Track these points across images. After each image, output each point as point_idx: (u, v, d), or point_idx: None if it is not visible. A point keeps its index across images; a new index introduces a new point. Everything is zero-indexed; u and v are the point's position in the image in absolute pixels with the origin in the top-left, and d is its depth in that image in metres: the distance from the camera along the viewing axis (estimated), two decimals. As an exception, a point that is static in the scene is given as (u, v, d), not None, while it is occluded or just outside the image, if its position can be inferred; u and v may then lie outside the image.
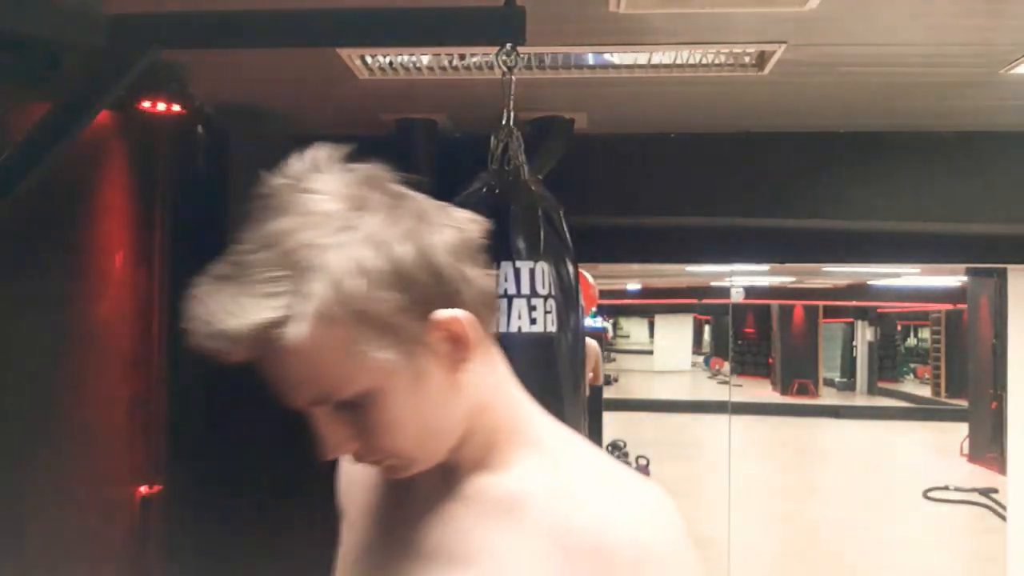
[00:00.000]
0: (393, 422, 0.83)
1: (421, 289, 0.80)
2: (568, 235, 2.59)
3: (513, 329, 2.41)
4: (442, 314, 0.82)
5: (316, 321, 0.76)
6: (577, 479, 0.85)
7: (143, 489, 3.88)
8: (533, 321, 2.42)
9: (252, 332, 0.76)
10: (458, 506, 0.89)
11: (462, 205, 2.39)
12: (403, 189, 0.87)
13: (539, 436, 0.90)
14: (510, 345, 2.52)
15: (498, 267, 2.43)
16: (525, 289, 2.42)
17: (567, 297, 2.51)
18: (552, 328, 2.45)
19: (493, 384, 0.90)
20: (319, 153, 0.85)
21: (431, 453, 0.88)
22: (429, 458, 0.88)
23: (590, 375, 6.60)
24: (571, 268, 2.57)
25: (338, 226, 0.78)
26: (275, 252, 0.77)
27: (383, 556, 0.93)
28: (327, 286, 0.76)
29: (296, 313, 0.76)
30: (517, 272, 2.42)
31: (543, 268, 2.45)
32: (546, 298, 2.44)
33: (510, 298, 2.42)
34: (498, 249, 2.45)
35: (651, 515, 0.83)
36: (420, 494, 0.92)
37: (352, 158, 0.88)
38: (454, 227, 0.86)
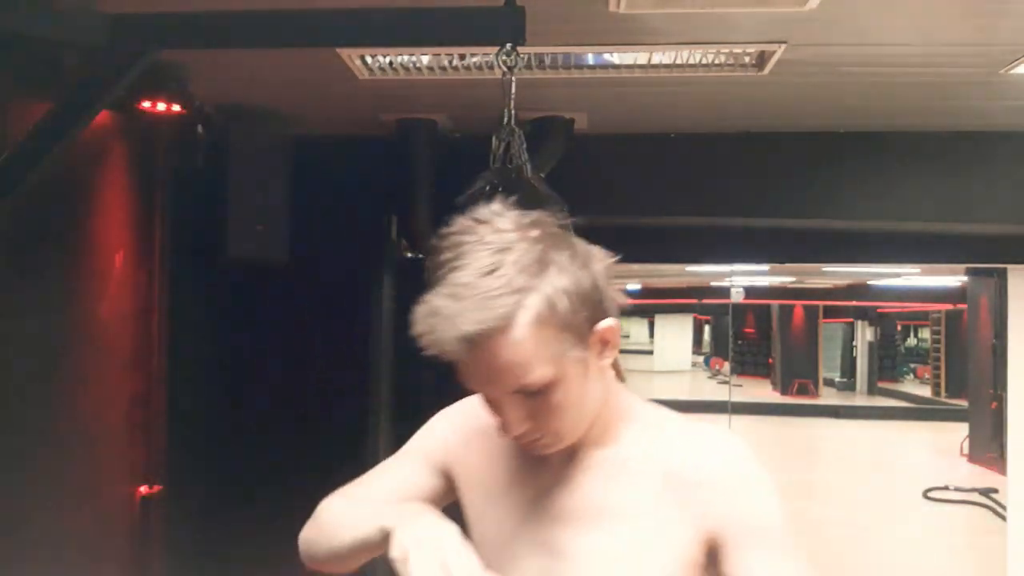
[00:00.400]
0: (562, 405, 1.08)
1: (593, 305, 1.07)
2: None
3: None
4: (604, 323, 1.09)
5: (533, 326, 1.02)
6: (673, 437, 1.15)
7: (143, 489, 3.88)
8: None
9: (487, 333, 1.00)
10: (586, 475, 1.15)
11: (466, 204, 2.38)
12: (559, 229, 1.11)
13: (638, 413, 1.18)
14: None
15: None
16: None
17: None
18: None
19: (609, 385, 1.16)
20: (494, 206, 1.09)
21: (577, 432, 1.12)
22: (574, 436, 1.13)
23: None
24: None
25: (539, 259, 1.04)
26: (499, 278, 1.01)
27: (535, 523, 1.16)
28: (542, 302, 1.03)
29: (520, 320, 1.02)
30: None
31: None
32: None
33: None
34: None
35: (733, 451, 1.13)
36: (551, 470, 1.17)
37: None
38: (600, 256, 1.11)
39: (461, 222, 1.07)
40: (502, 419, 1.09)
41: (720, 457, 1.13)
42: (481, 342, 1.01)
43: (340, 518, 1.25)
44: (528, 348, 1.03)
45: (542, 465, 1.17)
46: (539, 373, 1.05)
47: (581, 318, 1.06)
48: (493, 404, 1.10)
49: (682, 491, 1.10)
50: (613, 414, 1.16)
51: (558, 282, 1.04)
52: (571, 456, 1.16)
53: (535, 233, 1.05)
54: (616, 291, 1.12)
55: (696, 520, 1.09)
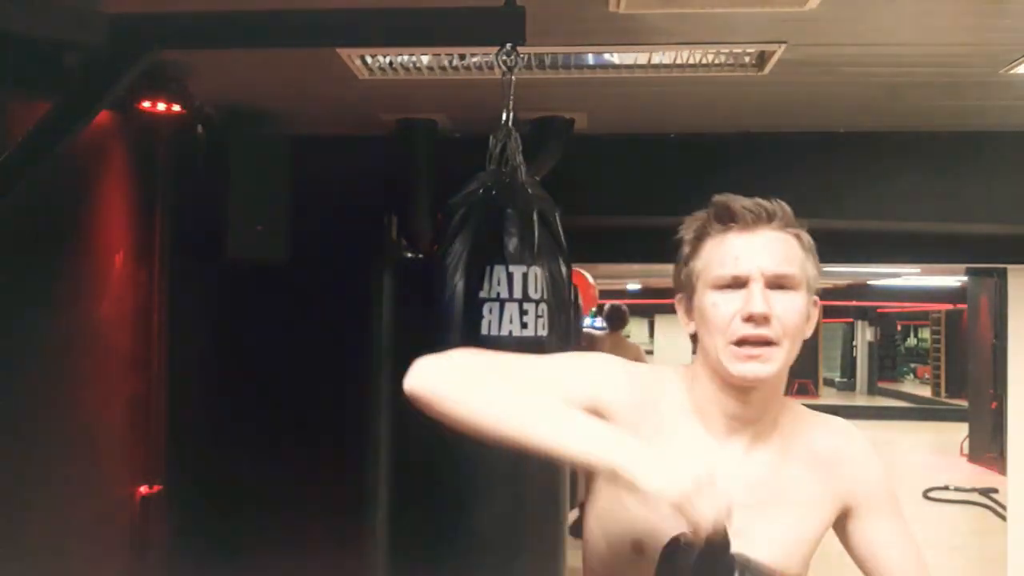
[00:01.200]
0: (796, 315, 1.24)
1: (817, 279, 1.29)
2: (563, 236, 2.59)
3: (504, 333, 2.42)
4: (815, 297, 1.30)
5: (808, 245, 1.29)
6: (809, 422, 1.36)
7: (143, 489, 3.88)
8: (524, 325, 2.43)
9: (791, 217, 1.29)
10: (756, 462, 1.29)
11: (458, 205, 2.41)
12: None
13: (786, 400, 1.35)
14: (501, 348, 2.52)
15: (491, 270, 2.43)
16: (517, 293, 2.43)
17: (559, 300, 2.52)
18: (543, 332, 2.45)
19: None
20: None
21: (789, 361, 1.26)
22: (787, 363, 1.26)
23: None
24: (564, 269, 2.57)
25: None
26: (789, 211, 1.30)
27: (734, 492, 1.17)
28: (812, 243, 1.30)
29: (805, 235, 1.30)
30: (510, 276, 2.43)
31: (536, 272, 2.45)
32: (538, 302, 2.45)
33: (502, 302, 2.42)
34: (492, 252, 2.45)
35: (855, 433, 1.38)
36: (719, 450, 1.28)
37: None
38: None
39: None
40: (752, 296, 1.22)
41: (850, 441, 1.36)
42: (778, 219, 1.26)
43: (514, 408, 1.18)
44: (800, 252, 1.27)
45: (711, 449, 1.27)
46: (798, 271, 1.25)
47: (816, 277, 1.28)
48: (739, 290, 1.24)
49: (824, 470, 1.31)
50: (777, 407, 1.32)
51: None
52: (744, 442, 1.29)
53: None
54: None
55: (834, 493, 1.31)
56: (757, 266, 1.23)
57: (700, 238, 1.27)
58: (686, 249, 1.29)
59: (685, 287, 1.29)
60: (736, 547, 1.13)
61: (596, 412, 1.23)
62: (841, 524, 1.34)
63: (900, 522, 1.37)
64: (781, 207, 1.28)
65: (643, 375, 1.32)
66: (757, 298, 1.22)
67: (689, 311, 1.30)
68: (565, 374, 1.29)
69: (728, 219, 1.25)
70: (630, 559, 1.25)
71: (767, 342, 1.23)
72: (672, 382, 1.32)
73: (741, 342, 1.22)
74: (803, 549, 1.30)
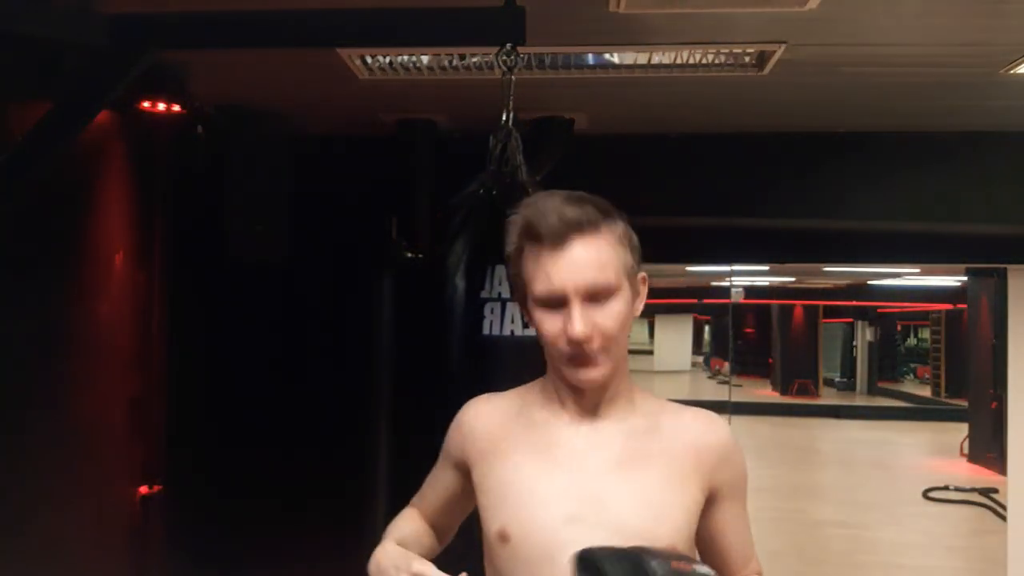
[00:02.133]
0: (618, 318, 1.28)
1: (638, 255, 1.33)
2: None
3: (506, 332, 2.41)
4: (642, 273, 1.34)
5: (618, 238, 1.30)
6: (677, 410, 1.39)
7: (143, 489, 3.89)
8: (526, 325, 2.42)
9: (591, 220, 1.27)
10: (615, 436, 1.33)
11: (458, 206, 2.41)
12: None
13: (641, 390, 1.39)
14: (503, 348, 2.51)
15: (493, 270, 2.43)
16: None
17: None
18: None
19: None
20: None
21: (621, 355, 1.32)
22: (619, 359, 1.32)
23: None
24: None
25: (615, 209, 1.33)
26: (600, 202, 1.31)
27: (568, 476, 1.31)
28: (625, 225, 1.32)
29: (611, 227, 1.29)
30: None
31: None
32: None
33: (503, 301, 2.41)
34: (493, 252, 2.45)
35: (724, 426, 1.40)
36: (579, 436, 1.34)
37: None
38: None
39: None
40: (571, 319, 1.26)
41: (719, 427, 1.39)
42: (583, 228, 1.26)
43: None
44: (611, 251, 1.28)
45: (566, 432, 1.34)
46: (614, 276, 1.27)
47: (636, 258, 1.32)
48: (562, 309, 1.27)
49: (695, 450, 1.34)
50: (629, 381, 1.37)
51: (630, 228, 1.32)
52: (593, 418, 1.34)
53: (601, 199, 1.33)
54: None
55: (704, 475, 1.34)
56: (571, 284, 1.26)
57: (519, 249, 1.31)
58: (510, 258, 1.34)
59: (518, 293, 1.36)
60: (584, 507, 1.27)
61: (465, 466, 1.42)
62: (705, 509, 1.38)
63: (744, 509, 1.42)
64: (586, 211, 1.27)
65: (502, 401, 1.43)
66: (575, 322, 1.25)
67: (526, 315, 1.36)
68: (432, 474, 1.51)
69: (536, 237, 1.27)
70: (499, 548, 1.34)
71: (590, 358, 1.29)
72: (536, 387, 1.42)
73: (570, 358, 1.29)
74: (674, 515, 1.30)
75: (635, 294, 1.32)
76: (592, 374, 1.29)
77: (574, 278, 1.25)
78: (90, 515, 3.50)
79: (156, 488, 3.93)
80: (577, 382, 1.31)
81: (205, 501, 4.05)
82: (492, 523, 1.34)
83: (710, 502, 1.36)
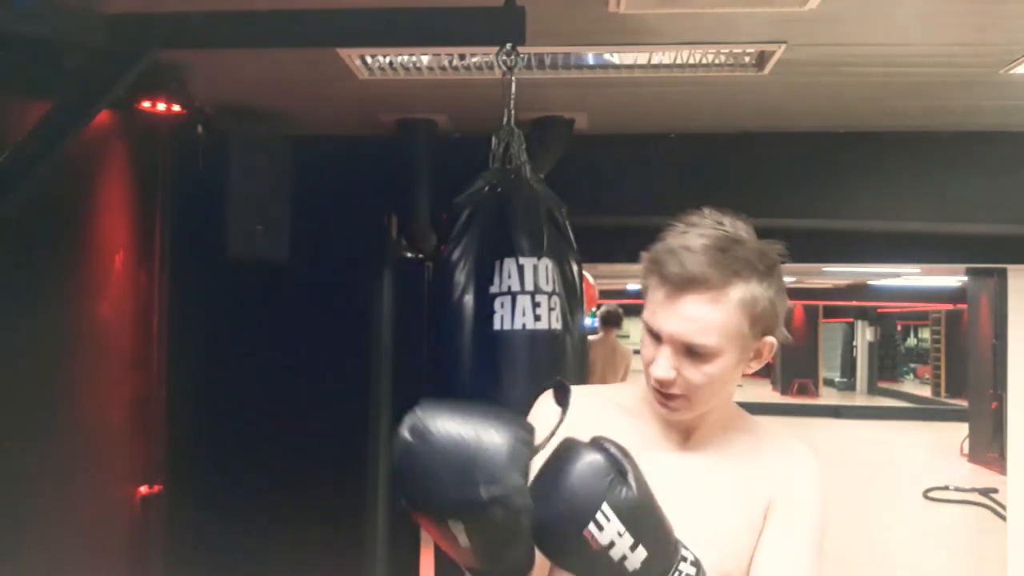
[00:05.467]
0: (710, 376, 1.25)
1: (771, 321, 1.27)
2: (571, 234, 2.58)
3: (517, 326, 2.38)
4: (770, 338, 1.28)
5: (738, 302, 1.23)
6: (764, 437, 1.37)
7: (143, 489, 3.89)
8: (537, 318, 2.39)
9: (708, 279, 1.21)
10: (702, 461, 1.33)
11: (464, 203, 2.40)
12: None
13: (740, 413, 1.39)
14: (514, 342, 2.49)
15: (501, 264, 2.41)
16: (529, 285, 2.40)
17: (571, 296, 2.49)
18: (557, 325, 2.42)
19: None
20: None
21: (702, 407, 1.29)
22: (704, 406, 1.29)
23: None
24: (575, 267, 2.55)
25: (767, 266, 1.26)
26: (734, 252, 1.24)
27: (668, 490, 1.24)
28: (752, 290, 1.24)
29: (732, 290, 1.22)
30: (520, 268, 2.40)
31: (547, 265, 2.42)
32: (550, 295, 2.41)
33: (514, 295, 2.39)
34: (501, 246, 2.44)
35: (808, 451, 1.37)
36: (675, 449, 1.33)
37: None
38: (785, 290, 1.30)
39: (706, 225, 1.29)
40: (658, 359, 1.25)
41: (797, 460, 1.35)
42: (699, 286, 1.21)
43: None
44: (724, 316, 1.22)
45: (648, 456, 1.27)
46: (715, 341, 1.23)
47: (761, 324, 1.25)
48: (658, 345, 1.26)
49: (760, 475, 1.31)
50: (727, 411, 1.36)
51: (768, 288, 1.25)
52: (683, 458, 1.33)
53: (760, 244, 1.28)
54: (782, 328, 1.32)
55: (762, 496, 1.31)
56: (670, 332, 1.24)
57: (647, 275, 1.30)
58: (641, 274, 1.33)
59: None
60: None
61: None
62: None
63: (801, 545, 1.30)
64: (715, 265, 1.22)
65: (597, 397, 1.39)
66: (660, 364, 1.25)
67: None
68: None
69: (658, 275, 1.26)
70: None
71: (671, 396, 1.27)
72: (623, 390, 1.42)
73: (654, 387, 1.28)
74: (743, 556, 1.28)
75: (746, 356, 1.28)
76: (672, 414, 1.30)
77: (673, 328, 1.23)
78: (90, 515, 3.50)
79: (156, 488, 3.93)
80: (657, 408, 1.31)
81: (205, 501, 4.05)
82: None
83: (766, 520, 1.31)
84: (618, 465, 1.13)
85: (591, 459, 1.12)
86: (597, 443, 1.15)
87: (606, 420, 1.33)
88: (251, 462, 4.05)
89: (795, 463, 1.34)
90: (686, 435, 1.34)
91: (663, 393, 1.27)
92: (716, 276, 1.21)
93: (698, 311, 1.22)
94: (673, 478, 1.29)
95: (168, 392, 4.01)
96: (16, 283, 2.97)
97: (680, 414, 1.29)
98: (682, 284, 1.22)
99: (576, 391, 1.31)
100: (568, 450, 1.14)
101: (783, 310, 1.29)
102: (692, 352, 1.23)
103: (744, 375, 1.29)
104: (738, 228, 1.29)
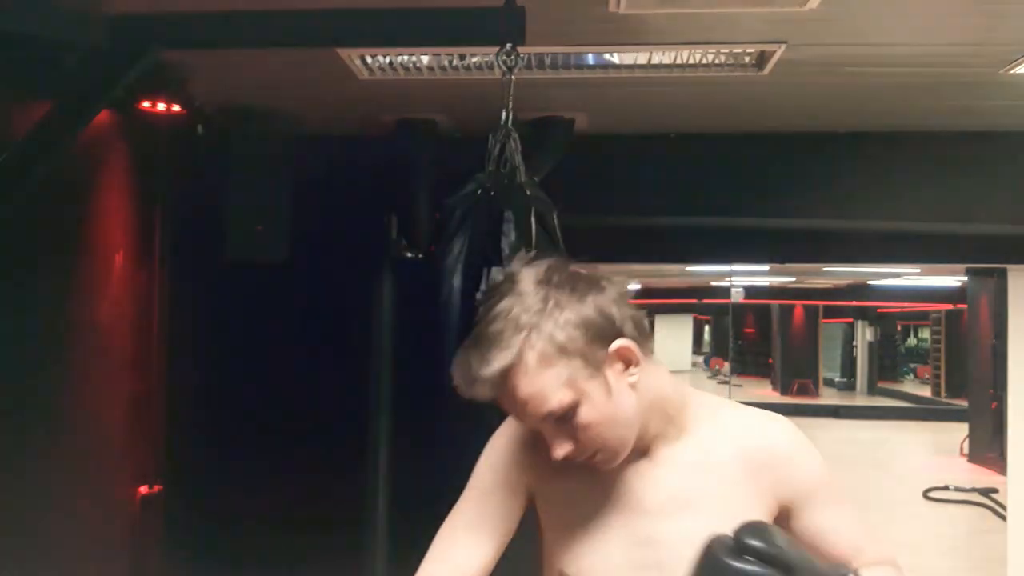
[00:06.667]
0: (593, 423, 1.20)
1: (599, 329, 1.20)
2: (560, 237, 2.58)
3: None
4: (617, 343, 1.21)
5: (540, 359, 1.17)
6: (730, 422, 1.32)
7: (143, 489, 3.89)
8: None
9: (498, 373, 1.16)
10: (665, 469, 1.29)
11: (454, 206, 2.40)
12: (578, 269, 1.25)
13: (696, 404, 1.33)
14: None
15: (489, 273, 2.42)
16: None
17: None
18: None
19: (660, 383, 1.28)
20: (518, 261, 1.26)
21: (625, 441, 1.24)
22: (624, 445, 1.24)
23: None
24: None
25: (541, 299, 1.19)
26: (509, 322, 1.18)
27: (623, 516, 1.28)
28: (544, 337, 1.17)
29: (527, 356, 1.17)
30: None
31: None
32: None
33: None
34: (489, 253, 2.44)
35: (783, 428, 1.33)
36: (632, 468, 1.29)
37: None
38: (613, 284, 1.24)
39: (495, 280, 1.26)
40: (551, 445, 1.22)
41: (777, 436, 1.32)
42: (499, 381, 1.17)
43: None
44: (541, 378, 1.18)
45: (621, 464, 1.28)
46: (558, 399, 1.18)
47: (585, 342, 1.19)
48: (542, 433, 1.24)
49: (752, 471, 1.28)
50: (676, 410, 1.30)
51: (560, 317, 1.18)
52: (647, 454, 1.30)
53: (542, 277, 1.21)
54: (634, 312, 1.25)
55: (767, 494, 1.27)
56: (530, 421, 1.22)
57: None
58: None
59: None
60: (640, 551, 1.26)
61: (526, 486, 1.34)
62: (783, 522, 1.29)
63: (840, 507, 1.33)
64: (493, 361, 1.16)
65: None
66: (554, 446, 1.22)
67: None
68: (476, 502, 1.36)
69: (479, 396, 1.20)
70: None
71: (590, 457, 1.24)
72: None
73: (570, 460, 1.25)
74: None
75: (612, 372, 1.21)
76: (605, 467, 1.26)
77: (529, 416, 1.21)
78: (90, 515, 3.50)
79: (156, 488, 3.93)
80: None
81: (205, 501, 4.05)
82: (553, 559, 1.34)
83: (787, 515, 1.29)
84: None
85: None
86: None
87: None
88: (251, 462, 4.04)
89: (780, 453, 1.30)
90: (649, 450, 1.30)
91: (585, 458, 1.24)
92: (502, 360, 1.16)
93: (519, 394, 1.18)
94: (650, 484, 1.28)
95: (168, 392, 4.01)
96: (16, 283, 2.97)
97: (615, 461, 1.25)
98: (493, 388, 1.18)
99: (515, 428, 1.33)
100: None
101: (613, 309, 1.21)
102: (562, 418, 1.20)
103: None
104: (521, 276, 1.22)
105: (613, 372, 1.21)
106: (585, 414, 1.19)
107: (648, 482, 1.28)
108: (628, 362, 1.23)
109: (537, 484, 1.34)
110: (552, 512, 1.35)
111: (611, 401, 1.21)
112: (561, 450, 1.21)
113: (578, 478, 1.29)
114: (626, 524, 1.28)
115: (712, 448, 1.29)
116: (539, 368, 1.17)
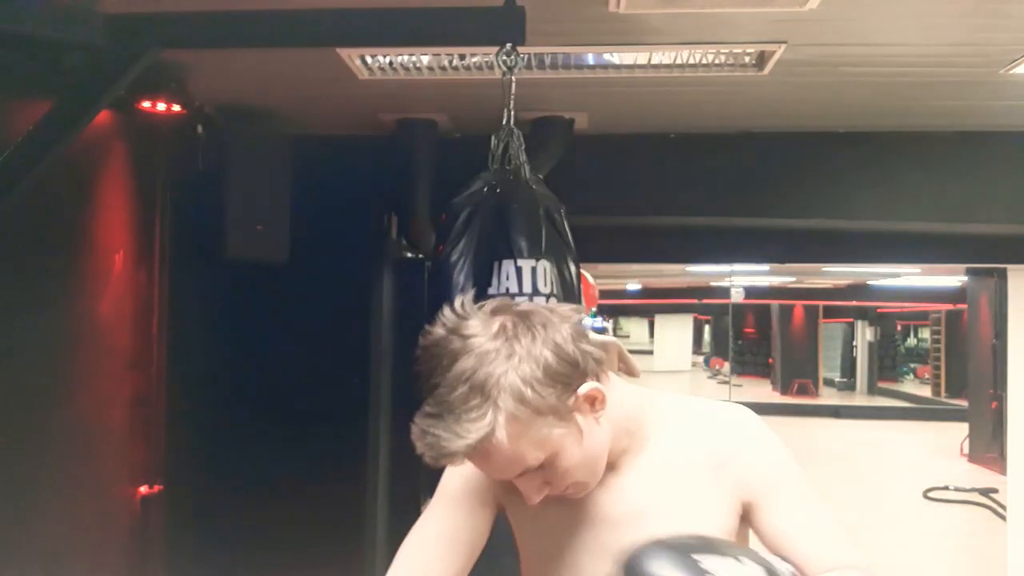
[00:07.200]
0: (570, 468, 1.20)
1: (564, 377, 1.16)
2: (569, 235, 2.58)
3: None
4: (584, 388, 1.18)
5: (511, 426, 1.12)
6: (691, 423, 1.30)
7: (143, 489, 3.89)
8: None
9: (472, 447, 1.11)
10: (628, 480, 1.28)
11: (463, 204, 2.41)
12: (524, 306, 1.20)
13: (655, 410, 1.31)
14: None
15: (500, 265, 2.42)
16: (527, 287, 2.41)
17: (569, 297, 2.50)
18: None
19: (619, 399, 1.25)
20: (460, 303, 1.19)
21: (597, 473, 1.24)
22: (597, 476, 1.24)
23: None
24: (573, 267, 2.56)
25: (504, 355, 1.13)
26: (468, 388, 1.11)
27: (587, 529, 1.29)
28: (512, 401, 1.12)
29: (498, 429, 1.12)
30: (519, 270, 2.41)
31: (545, 267, 2.43)
32: (548, 296, 2.42)
33: (512, 296, 2.40)
34: (499, 248, 2.44)
35: (745, 423, 1.32)
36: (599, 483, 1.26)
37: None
38: (566, 320, 1.18)
39: (434, 332, 1.16)
40: (525, 494, 1.22)
41: (735, 430, 1.30)
42: (472, 454, 1.13)
43: None
44: (514, 445, 1.14)
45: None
46: (533, 457, 1.16)
47: (556, 395, 1.15)
48: (518, 486, 1.22)
49: (712, 470, 1.26)
50: (637, 424, 1.29)
51: (527, 375, 1.13)
52: (614, 467, 1.28)
53: (496, 327, 1.15)
54: (590, 345, 1.20)
55: (727, 494, 1.25)
56: (504, 478, 1.22)
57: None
58: None
59: None
60: (604, 565, 1.18)
61: (494, 497, 1.34)
62: (748, 519, 1.27)
63: (808, 503, 1.26)
64: (461, 435, 1.11)
65: None
66: (528, 496, 1.22)
67: None
68: (442, 513, 1.35)
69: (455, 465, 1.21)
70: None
71: (564, 491, 1.24)
72: None
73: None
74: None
75: (582, 415, 1.18)
76: (573, 496, 1.26)
77: (501, 475, 1.20)
78: (90, 515, 3.50)
79: (156, 488, 3.93)
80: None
81: (205, 501, 4.05)
82: (527, 572, 1.37)
83: (750, 513, 1.26)
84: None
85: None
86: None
87: None
88: (251, 462, 4.04)
89: (749, 443, 1.28)
90: (615, 464, 1.29)
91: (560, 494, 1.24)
92: (473, 435, 1.11)
93: (493, 460, 1.16)
94: (616, 496, 1.28)
95: (168, 392, 4.01)
96: (16, 283, 2.97)
97: (587, 491, 1.26)
98: (465, 459, 1.15)
99: None
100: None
101: (572, 348, 1.16)
102: (537, 468, 1.18)
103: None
104: (466, 327, 1.15)
105: (582, 415, 1.19)
106: (561, 463, 1.18)
107: (614, 494, 1.28)
108: (595, 402, 1.20)
109: (506, 496, 1.33)
110: (523, 526, 1.36)
111: (583, 444, 1.19)
112: (537, 496, 1.21)
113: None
114: (595, 537, 1.28)
115: (674, 453, 1.28)
116: (514, 435, 1.13)
